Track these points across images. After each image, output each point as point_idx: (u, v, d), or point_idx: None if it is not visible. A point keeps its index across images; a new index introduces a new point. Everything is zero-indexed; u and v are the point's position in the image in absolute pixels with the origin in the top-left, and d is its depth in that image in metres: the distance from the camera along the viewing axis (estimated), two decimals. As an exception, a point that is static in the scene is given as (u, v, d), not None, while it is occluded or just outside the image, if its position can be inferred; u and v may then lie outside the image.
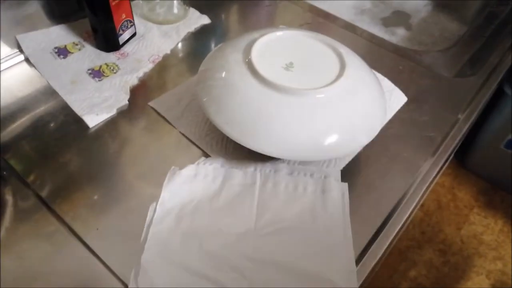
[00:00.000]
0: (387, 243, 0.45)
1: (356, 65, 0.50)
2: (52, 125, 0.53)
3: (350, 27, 0.74)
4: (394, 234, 0.46)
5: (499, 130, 1.31)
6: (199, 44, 0.67)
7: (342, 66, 0.48)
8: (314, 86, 0.45)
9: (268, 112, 0.44)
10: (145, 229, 0.43)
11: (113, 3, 0.57)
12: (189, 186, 0.47)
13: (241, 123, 0.45)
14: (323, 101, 0.45)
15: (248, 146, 0.45)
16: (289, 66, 0.47)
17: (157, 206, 0.45)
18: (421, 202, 0.52)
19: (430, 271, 1.27)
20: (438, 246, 1.33)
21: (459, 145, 0.59)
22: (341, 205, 0.46)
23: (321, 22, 0.73)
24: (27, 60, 0.60)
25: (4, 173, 0.47)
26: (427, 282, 1.24)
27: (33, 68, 0.59)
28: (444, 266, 1.28)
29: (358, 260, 0.43)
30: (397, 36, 0.89)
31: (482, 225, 1.40)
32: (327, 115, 0.45)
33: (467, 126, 0.59)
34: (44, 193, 0.46)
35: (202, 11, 0.72)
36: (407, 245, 1.32)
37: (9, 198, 0.46)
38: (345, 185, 0.48)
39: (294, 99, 0.44)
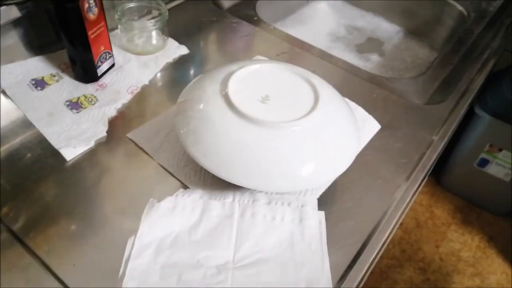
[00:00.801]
0: (365, 269, 0.46)
1: (330, 97, 0.52)
2: (28, 158, 0.52)
3: (326, 56, 0.76)
4: (371, 259, 0.47)
5: (471, 149, 1.36)
6: (177, 75, 0.68)
7: (316, 98, 0.49)
8: (289, 118, 0.46)
9: (245, 145, 0.45)
10: (123, 264, 0.43)
11: (92, 36, 0.58)
12: (167, 218, 0.47)
13: (217, 156, 0.46)
14: (298, 133, 0.46)
15: (225, 179, 0.46)
16: (265, 99, 0.49)
17: (135, 240, 0.44)
18: (397, 226, 0.54)
19: (410, 290, 1.28)
20: (418, 264, 1.35)
21: (434, 164, 0.61)
22: (318, 234, 0.47)
23: (297, 51, 0.76)
24: (3, 92, 0.59)
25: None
26: (408, 301, 1.25)
27: (9, 100, 0.58)
28: (424, 284, 1.30)
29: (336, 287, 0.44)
30: (371, 62, 0.93)
31: (460, 242, 1.43)
32: (302, 147, 0.46)
33: (441, 146, 0.62)
34: (18, 228, 0.45)
35: (180, 41, 0.73)
36: (387, 264, 1.34)
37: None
38: (322, 213, 0.49)
39: (269, 132, 0.45)
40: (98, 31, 0.59)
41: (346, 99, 0.58)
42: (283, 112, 0.47)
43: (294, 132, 0.46)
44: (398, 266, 1.34)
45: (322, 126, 0.48)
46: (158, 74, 0.67)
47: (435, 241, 1.42)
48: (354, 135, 0.51)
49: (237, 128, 0.46)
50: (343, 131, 0.50)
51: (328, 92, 0.52)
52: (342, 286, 0.44)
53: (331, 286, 0.43)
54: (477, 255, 1.39)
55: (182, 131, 0.49)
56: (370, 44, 0.98)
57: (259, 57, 0.71)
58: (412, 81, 0.76)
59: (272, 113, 0.47)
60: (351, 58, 0.93)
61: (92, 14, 0.57)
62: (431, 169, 0.61)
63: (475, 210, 1.51)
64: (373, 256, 0.47)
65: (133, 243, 0.44)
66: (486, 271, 1.35)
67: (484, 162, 1.36)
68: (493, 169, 1.36)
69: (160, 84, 0.66)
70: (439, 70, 0.78)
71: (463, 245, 1.42)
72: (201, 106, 0.49)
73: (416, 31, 1.02)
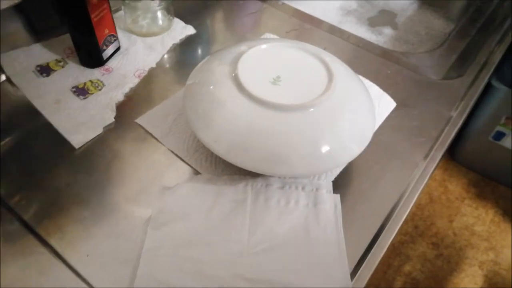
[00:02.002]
0: (382, 253, 0.45)
1: (344, 75, 0.50)
2: (37, 146, 0.52)
3: (337, 31, 0.73)
4: (389, 242, 0.46)
5: (487, 122, 1.33)
6: (185, 56, 0.66)
7: (330, 78, 0.47)
8: (302, 100, 0.44)
9: (256, 129, 0.44)
10: (137, 252, 0.42)
11: (95, 19, 0.56)
12: (180, 205, 0.46)
13: (229, 141, 0.45)
14: (312, 115, 0.44)
15: (237, 164, 0.45)
16: (276, 80, 0.47)
17: (148, 229, 0.44)
18: (414, 206, 0.52)
19: (424, 265, 1.28)
20: (431, 239, 1.34)
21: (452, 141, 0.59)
22: (334, 218, 0.46)
23: (308, 28, 0.73)
24: (8, 80, 0.58)
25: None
26: (421, 276, 1.25)
27: (15, 88, 0.57)
28: (438, 259, 1.30)
29: (354, 273, 0.43)
30: (384, 36, 0.89)
31: (473, 217, 1.41)
32: (317, 130, 0.45)
33: (460, 122, 0.60)
34: (30, 218, 0.45)
35: (186, 21, 0.71)
36: (400, 240, 1.33)
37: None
38: (337, 196, 0.48)
39: (282, 115, 0.44)
40: (102, 14, 0.57)
41: (360, 77, 0.56)
42: (295, 93, 0.46)
43: (308, 114, 0.44)
44: (411, 242, 1.33)
45: (337, 107, 0.46)
46: (165, 56, 0.65)
47: (449, 216, 1.40)
48: (370, 114, 0.50)
49: (248, 111, 0.44)
50: (358, 111, 0.48)
51: (341, 71, 0.50)
52: (360, 270, 0.43)
53: (348, 271, 0.42)
54: (491, 229, 1.38)
55: (191, 116, 0.47)
56: (382, 17, 0.94)
57: (268, 35, 0.69)
58: (427, 55, 0.73)
59: (284, 95, 0.45)
60: (363, 32, 0.89)
61: (94, -5, 0.55)
62: (450, 144, 0.59)
63: (489, 184, 1.49)
64: (391, 238, 0.46)
65: (146, 232, 0.44)
66: (500, 245, 1.34)
67: (500, 135, 1.33)
68: (509, 142, 1.32)
69: (167, 66, 0.64)
70: (455, 43, 0.75)
71: (477, 219, 1.40)
72: (210, 89, 0.48)
73: (430, 1, 0.98)
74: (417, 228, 1.37)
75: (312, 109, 0.44)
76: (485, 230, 1.38)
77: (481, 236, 1.36)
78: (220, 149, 0.45)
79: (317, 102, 0.45)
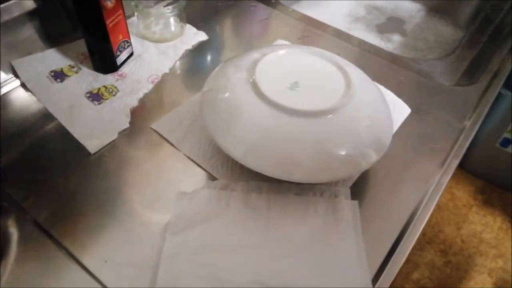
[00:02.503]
0: (403, 260, 0.45)
1: (360, 81, 0.50)
2: (52, 152, 0.51)
3: (348, 38, 0.73)
4: (409, 249, 0.46)
5: (494, 129, 1.33)
6: (198, 62, 0.66)
7: (347, 84, 0.47)
8: (321, 106, 0.44)
9: (275, 134, 0.44)
10: (155, 258, 0.42)
11: (110, 25, 0.56)
12: (198, 211, 0.46)
13: (247, 146, 0.44)
14: (330, 121, 0.44)
15: (255, 170, 0.44)
16: (294, 86, 0.47)
17: (167, 235, 0.43)
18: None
19: (432, 273, 1.27)
20: (439, 246, 1.33)
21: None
22: (353, 224, 0.46)
23: (319, 34, 0.73)
24: (23, 85, 0.58)
25: (5, 204, 0.46)
26: (430, 284, 1.24)
27: (29, 94, 0.57)
28: (446, 267, 1.29)
29: (374, 280, 0.42)
30: (393, 42, 0.89)
31: (481, 224, 1.40)
32: (336, 135, 0.44)
33: (474, 132, 0.59)
34: (46, 223, 0.44)
35: (198, 27, 0.71)
36: (408, 248, 1.32)
37: (13, 231, 0.44)
38: (356, 203, 0.47)
39: (301, 121, 0.44)
40: (116, 20, 0.57)
41: (375, 83, 0.56)
42: (314, 99, 0.45)
43: (327, 119, 0.44)
44: (418, 249, 1.32)
45: (355, 113, 0.46)
46: (178, 62, 0.65)
47: (456, 223, 1.40)
48: (387, 120, 0.49)
49: (267, 116, 0.44)
50: (376, 117, 0.48)
51: (358, 77, 0.50)
52: (382, 276, 0.42)
53: (370, 280, 0.41)
54: (500, 237, 1.37)
55: (209, 122, 0.47)
56: (391, 24, 0.95)
57: (280, 41, 0.69)
58: (439, 62, 0.73)
59: (303, 100, 0.45)
60: (372, 39, 0.90)
61: (110, 2, 0.55)
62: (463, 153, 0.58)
63: (497, 191, 1.49)
64: (411, 247, 0.45)
65: (165, 239, 0.43)
66: (509, 252, 1.33)
67: (507, 142, 1.32)
68: (516, 149, 1.32)
69: (180, 72, 0.64)
70: (466, 50, 0.75)
71: (485, 227, 1.39)
72: (228, 95, 0.48)
73: (438, 8, 0.98)
74: (424, 235, 1.36)
75: (330, 115, 0.44)
76: (493, 237, 1.37)
77: (490, 243, 1.35)
78: (238, 154, 0.45)
79: (335, 107, 0.44)
